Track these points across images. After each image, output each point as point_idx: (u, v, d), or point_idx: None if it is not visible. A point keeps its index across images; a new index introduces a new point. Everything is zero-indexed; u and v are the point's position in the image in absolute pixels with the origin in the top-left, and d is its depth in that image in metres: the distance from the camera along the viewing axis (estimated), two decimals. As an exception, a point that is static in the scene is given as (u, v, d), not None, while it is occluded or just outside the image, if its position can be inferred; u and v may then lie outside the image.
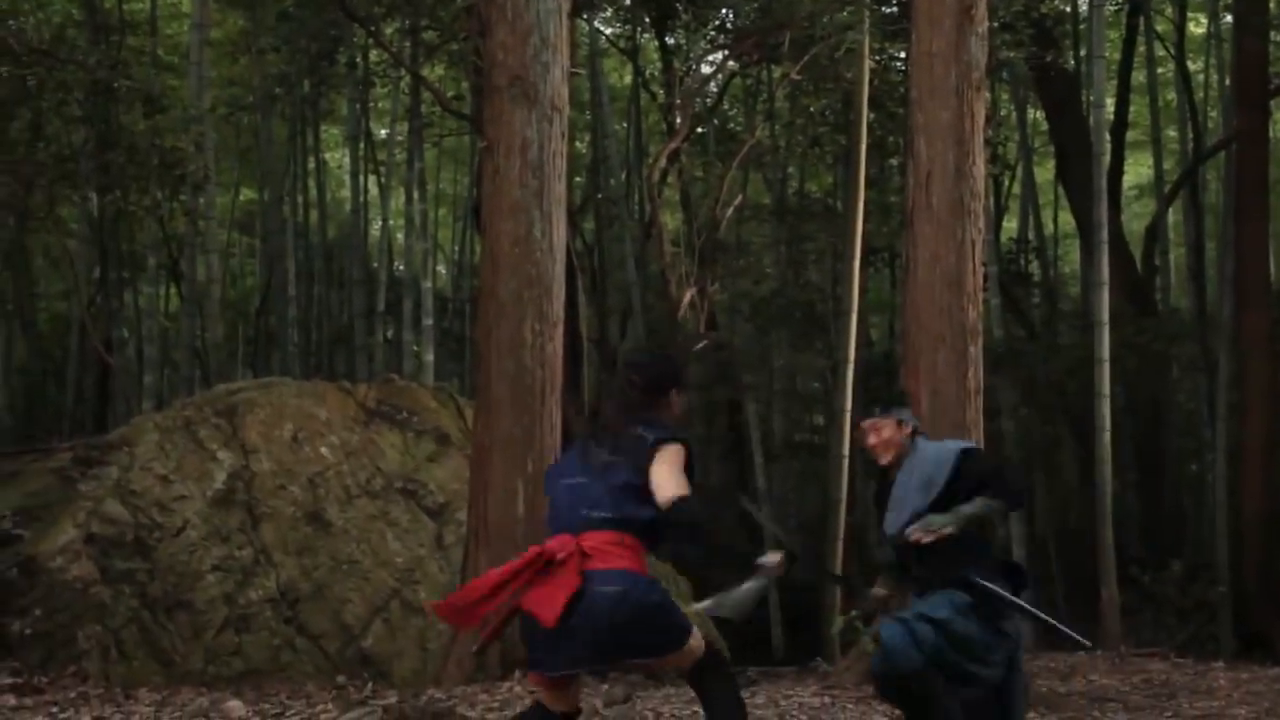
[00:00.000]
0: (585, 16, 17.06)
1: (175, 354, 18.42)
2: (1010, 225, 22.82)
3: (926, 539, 4.92)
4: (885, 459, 5.33)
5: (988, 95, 10.65)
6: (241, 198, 24.08)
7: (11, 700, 7.53)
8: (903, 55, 14.52)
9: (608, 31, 20.44)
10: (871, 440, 5.31)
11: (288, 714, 7.47)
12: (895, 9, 15.15)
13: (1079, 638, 5.46)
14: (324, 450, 10.36)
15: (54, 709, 7.47)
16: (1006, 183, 21.81)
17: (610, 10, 18.35)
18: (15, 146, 15.12)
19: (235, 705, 7.53)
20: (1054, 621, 5.33)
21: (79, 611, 8.95)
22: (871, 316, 22.47)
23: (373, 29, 14.42)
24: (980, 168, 9.53)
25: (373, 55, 17.77)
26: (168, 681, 8.57)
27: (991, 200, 17.98)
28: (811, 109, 17.32)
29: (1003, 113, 20.48)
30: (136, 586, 9.12)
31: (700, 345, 14.77)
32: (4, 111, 14.80)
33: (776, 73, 17.02)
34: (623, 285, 19.98)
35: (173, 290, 20.29)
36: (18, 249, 19.05)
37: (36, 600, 9.02)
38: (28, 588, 9.05)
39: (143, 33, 18.54)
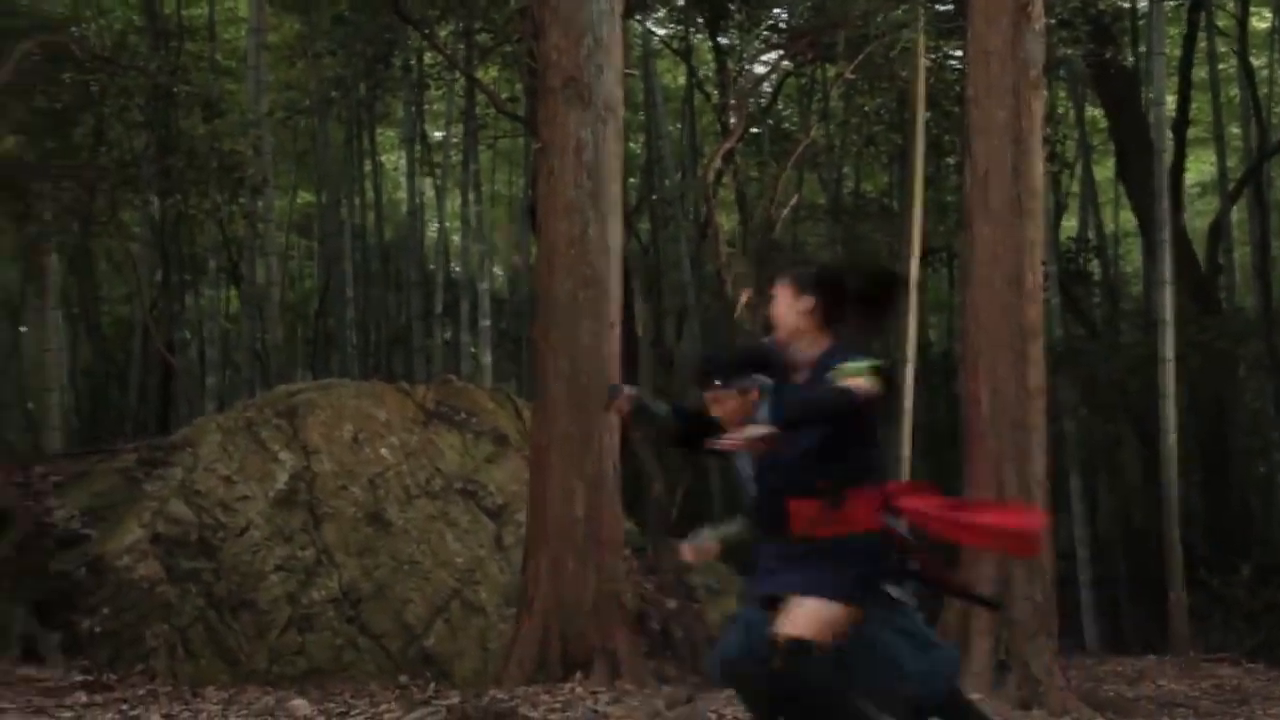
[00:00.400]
0: (638, 18, 17.08)
1: (236, 355, 18.57)
2: (1070, 224, 22.62)
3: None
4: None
5: (1045, 93, 10.57)
6: (299, 200, 24.25)
7: (83, 698, 7.65)
8: (959, 53, 14.45)
9: (661, 32, 20.44)
10: (715, 413, 4.88)
11: (352, 713, 7.54)
12: (951, 6, 15.08)
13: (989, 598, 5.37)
14: (384, 451, 10.44)
15: (124, 706, 7.58)
16: (1065, 181, 21.62)
17: (663, 11, 18.36)
18: (79, 152, 15.35)
19: (300, 704, 7.61)
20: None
21: (146, 610, 9.07)
22: (930, 316, 22.35)
23: (427, 32, 14.53)
24: (1038, 166, 9.46)
25: (427, 58, 17.88)
26: (234, 680, 8.66)
27: (1050, 199, 17.83)
28: (866, 108, 17.25)
29: (1061, 110, 20.29)
30: (202, 586, 9.23)
31: (757, 346, 14.73)
32: (68, 117, 15.03)
33: (831, 72, 16.98)
34: (678, 286, 19.98)
35: (233, 292, 20.48)
36: (82, 253, 19.29)
37: (105, 599, 9.15)
38: (96, 587, 9.19)
39: (201, 38, 18.73)
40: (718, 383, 4.80)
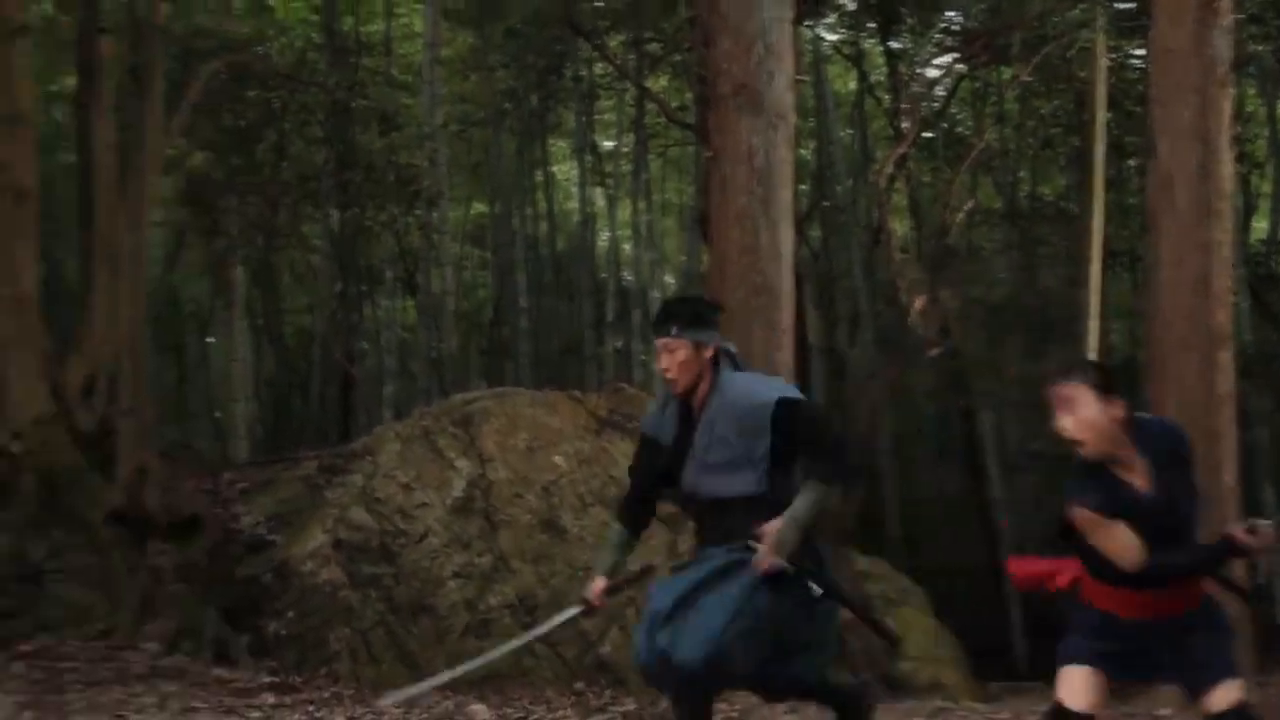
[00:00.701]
0: (808, 23, 16.99)
1: (413, 364, 18.94)
2: (1260, 225, 21.87)
3: (774, 568, 4.53)
4: (679, 387, 4.79)
5: (1233, 91, 10.24)
6: (473, 211, 24.65)
7: (271, 699, 7.84)
8: (1140, 52, 14.08)
9: (831, 38, 20.32)
10: (664, 364, 4.78)
11: (530, 719, 7.60)
12: (1132, 4, 14.70)
13: (888, 627, 5.28)
14: (557, 459, 10.51)
15: (310, 707, 7.76)
16: (1255, 181, 20.91)
17: (834, 16, 18.25)
18: (261, 167, 15.82)
19: (480, 709, 7.70)
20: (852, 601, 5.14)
21: (329, 614, 9.27)
22: (1112, 322, 21.79)
23: (598, 43, 14.66)
24: (1227, 167, 9.19)
25: (598, 68, 18.03)
26: (413, 683, 8.79)
27: (1239, 199, 17.27)
28: (1043, 110, 16.94)
29: (1250, 109, 19.64)
30: (382, 591, 9.41)
31: (932, 353, 14.55)
32: (251, 134, 15.49)
33: (1006, 74, 16.70)
34: (850, 292, 19.83)
35: (409, 302, 20.90)
36: (265, 266, 19.85)
37: (290, 603, 9.38)
38: (281, 591, 9.42)
39: (378, 53, 19.17)
40: (674, 330, 4.75)
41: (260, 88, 14.73)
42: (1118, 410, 4.04)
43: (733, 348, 4.91)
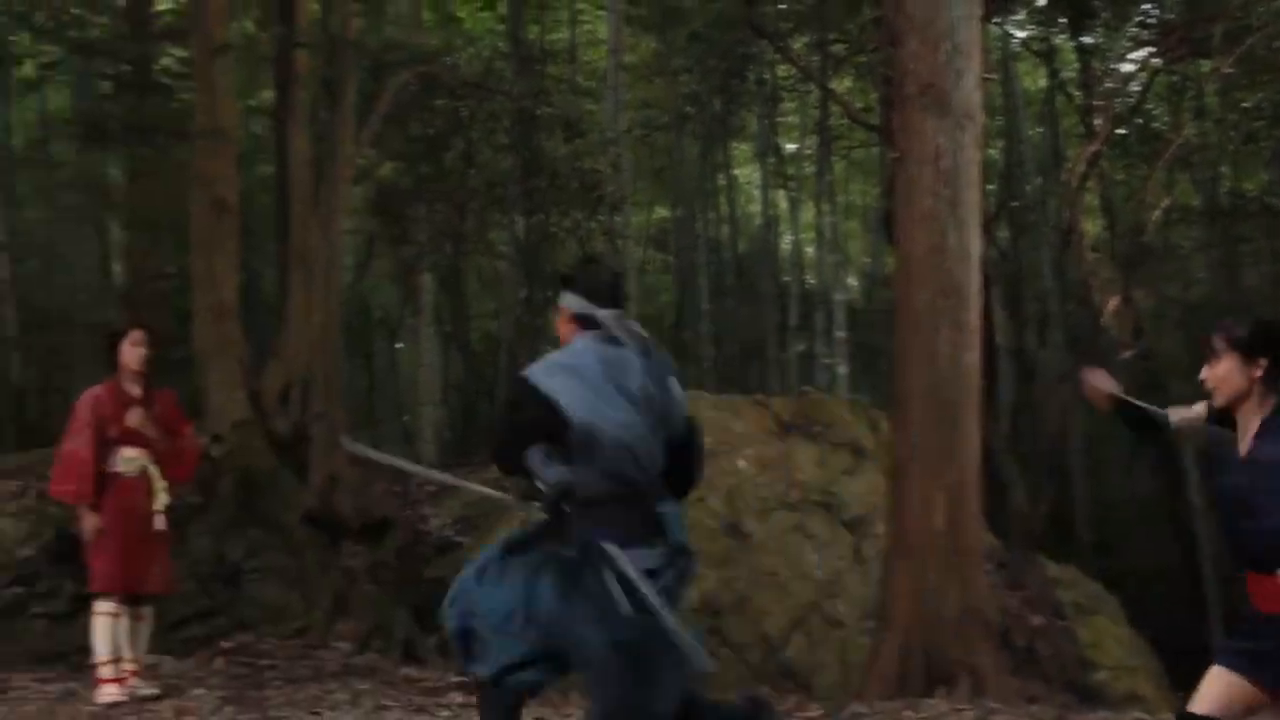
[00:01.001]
0: (997, 20, 16.66)
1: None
2: None
3: None
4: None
5: None
6: (655, 215, 24.76)
7: (459, 698, 7.95)
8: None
9: (1021, 34, 19.90)
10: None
11: (712, 723, 7.55)
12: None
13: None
14: (741, 463, 10.48)
15: (494, 708, 7.84)
16: None
17: (1023, 13, 17.87)
18: (449, 175, 16.09)
19: (661, 712, 7.68)
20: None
21: (515, 616, 9.39)
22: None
23: (781, 45, 14.57)
24: None
25: (780, 71, 17.95)
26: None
27: None
28: (1246, 104, 16.32)
29: None
30: (569, 593, 9.48)
31: (1125, 354, 14.14)
32: (440, 142, 15.78)
33: (1205, 67, 16.14)
34: (1040, 293, 19.39)
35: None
36: (453, 273, 20.20)
37: (477, 604, 9.52)
38: (469, 592, 9.56)
39: (563, 61, 19.36)
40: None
41: (448, 97, 14.99)
42: (1257, 371, 4.09)
43: None
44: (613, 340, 4.48)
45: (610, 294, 4.61)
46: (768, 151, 19.99)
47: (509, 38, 18.69)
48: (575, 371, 4.35)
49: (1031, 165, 19.24)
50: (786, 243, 22.45)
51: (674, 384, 4.59)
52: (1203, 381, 4.23)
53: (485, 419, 21.64)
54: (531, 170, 15.97)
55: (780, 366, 19.07)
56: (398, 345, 23.16)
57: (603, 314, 4.53)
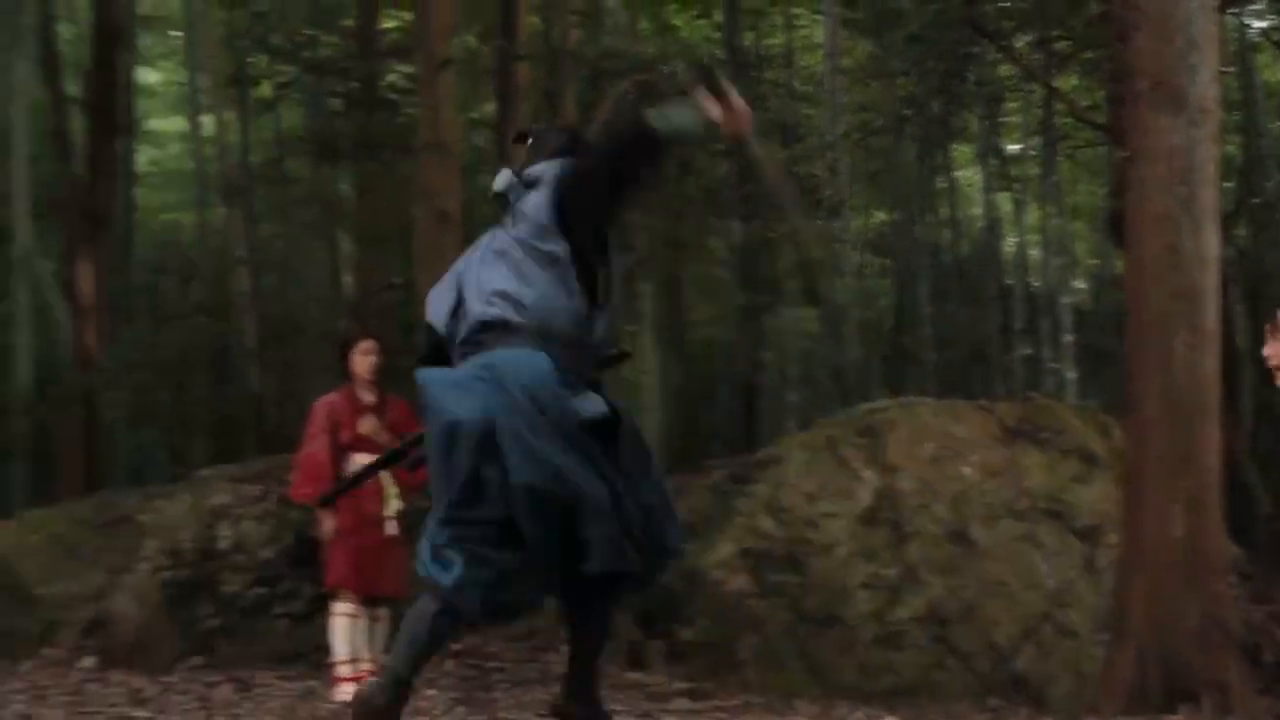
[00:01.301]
0: (1234, 10, 16.03)
1: (816, 374, 18.98)
2: None
3: None
4: None
5: None
6: (872, 219, 24.50)
7: (684, 704, 8.02)
8: None
9: (1259, 24, 19.11)
10: None
11: (942, 735, 7.47)
12: None
13: None
14: (965, 470, 10.29)
15: (721, 715, 7.88)
16: None
17: (1262, 1, 17.15)
18: (665, 182, 16.20)
19: (890, 722, 7.63)
20: None
21: (738, 622, 9.39)
22: None
23: (1003, 44, 14.27)
24: None
25: (1002, 70, 17.57)
26: (823, 694, 8.80)
27: None
28: None
29: None
30: (789, 600, 9.45)
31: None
32: (660, 151, 15.89)
33: None
34: (1281, 294, 18.60)
35: (810, 312, 20.94)
36: (672, 279, 20.35)
37: (700, 611, 9.56)
38: (691, 598, 9.60)
39: (779, 66, 19.30)
40: None
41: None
42: None
43: None
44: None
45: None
46: (989, 153, 19.61)
47: (725, 44, 18.73)
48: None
49: (1271, 161, 18.43)
50: (1010, 245, 21.98)
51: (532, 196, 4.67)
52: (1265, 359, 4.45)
53: (706, 424, 21.74)
54: (749, 176, 15.96)
55: (1004, 371, 18.67)
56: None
57: (499, 182, 4.68)
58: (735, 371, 19.35)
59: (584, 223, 4.54)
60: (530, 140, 4.93)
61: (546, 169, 4.71)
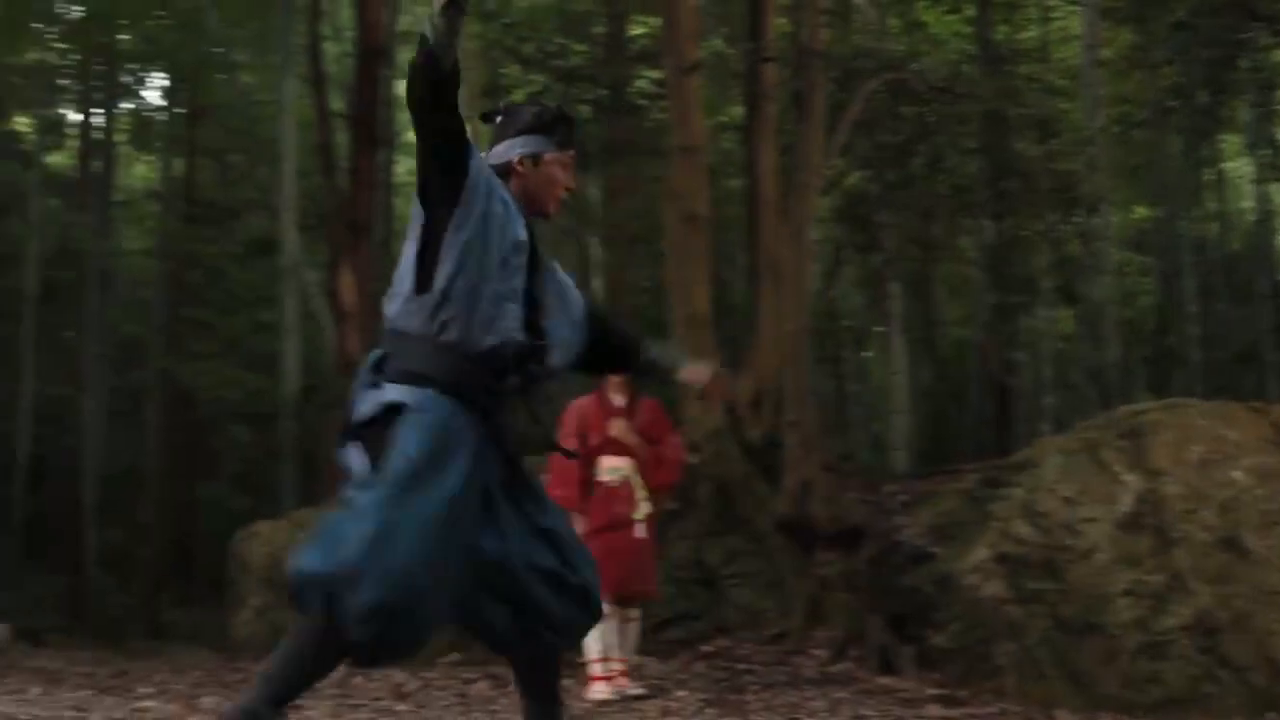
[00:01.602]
0: None
1: (1072, 375, 18.43)
2: None
3: None
4: None
5: None
6: (1133, 216, 23.68)
7: (936, 710, 7.84)
8: None
9: None
10: None
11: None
12: None
13: None
14: (1236, 474, 9.78)
15: (975, 723, 7.69)
16: None
17: None
18: (916, 181, 15.95)
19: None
20: None
21: (993, 629, 9.14)
22: None
23: (1278, 28, 13.60)
24: None
25: (1277, 55, 16.76)
26: (1085, 704, 8.50)
27: None
28: None
29: None
30: (1047, 607, 9.15)
31: None
32: (906, 149, 15.66)
33: None
34: None
35: (1066, 312, 20.37)
36: (921, 280, 20.04)
37: (953, 616, 9.34)
38: (944, 603, 9.40)
39: (1033, 60, 18.80)
40: None
41: (915, 103, 14.85)
42: None
43: None
44: None
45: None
46: (1260, 142, 18.72)
47: (976, 39, 18.34)
48: None
49: None
50: (1283, 240, 20.99)
51: None
52: None
53: (955, 426, 21.34)
54: (1001, 173, 15.59)
55: (1277, 371, 17.79)
56: (865, 353, 23.16)
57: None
58: (987, 373, 18.91)
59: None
60: (499, 119, 4.60)
61: (507, 149, 4.44)
